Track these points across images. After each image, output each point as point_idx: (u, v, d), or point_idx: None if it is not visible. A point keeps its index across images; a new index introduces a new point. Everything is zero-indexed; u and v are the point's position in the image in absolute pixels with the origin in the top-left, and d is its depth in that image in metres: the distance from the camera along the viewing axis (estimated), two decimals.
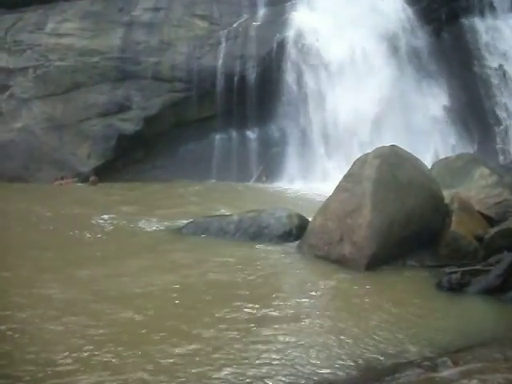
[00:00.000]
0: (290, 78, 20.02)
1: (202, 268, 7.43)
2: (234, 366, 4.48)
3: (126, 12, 21.69)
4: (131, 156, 20.12)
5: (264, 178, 19.35)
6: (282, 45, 20.17)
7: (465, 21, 20.95)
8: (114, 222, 10.88)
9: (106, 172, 19.22)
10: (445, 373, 4.30)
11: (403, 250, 7.75)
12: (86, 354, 4.62)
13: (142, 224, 10.63)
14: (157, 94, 20.17)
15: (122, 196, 15.61)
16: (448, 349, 4.89)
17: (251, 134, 20.29)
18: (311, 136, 19.62)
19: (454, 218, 7.88)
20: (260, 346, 4.85)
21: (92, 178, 18.41)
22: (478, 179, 9.27)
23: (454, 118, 19.60)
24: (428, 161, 9.73)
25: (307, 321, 5.60)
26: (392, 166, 8.16)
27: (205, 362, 4.55)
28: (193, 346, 4.84)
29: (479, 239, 7.71)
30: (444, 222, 8.05)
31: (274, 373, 4.38)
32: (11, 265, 7.52)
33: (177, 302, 6.13)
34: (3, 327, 5.17)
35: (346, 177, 8.46)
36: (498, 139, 19.35)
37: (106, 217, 11.24)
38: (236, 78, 20.01)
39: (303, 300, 6.40)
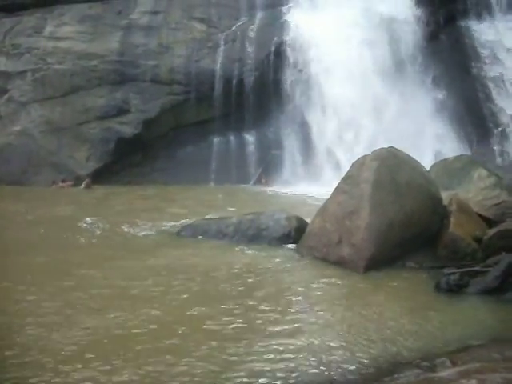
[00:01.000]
0: (288, 80, 20.08)
1: (199, 270, 7.42)
2: (234, 366, 4.48)
3: (125, 15, 21.74)
4: (130, 159, 20.14)
5: (263, 181, 19.39)
6: (280, 48, 20.22)
7: (462, 23, 21.03)
8: (113, 225, 10.84)
9: (104, 175, 19.25)
10: (443, 373, 4.30)
11: (402, 251, 7.75)
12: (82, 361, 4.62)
13: (140, 227, 10.59)
14: (155, 97, 20.22)
15: (121, 199, 15.60)
16: (447, 349, 4.90)
17: (249, 137, 20.34)
18: (310, 139, 19.65)
19: (452, 220, 7.88)
20: (257, 349, 4.85)
21: (86, 181, 18.33)
22: (476, 181, 9.27)
23: (451, 119, 19.65)
24: (426, 162, 9.70)
25: (305, 322, 5.60)
26: (390, 168, 8.16)
27: (205, 361, 4.54)
28: (188, 348, 4.84)
29: (478, 240, 7.72)
30: (442, 223, 8.05)
31: (271, 374, 4.38)
32: None
33: (174, 303, 6.12)
34: None
35: (345, 179, 8.46)
36: (496, 141, 19.39)
37: (103, 220, 11.20)
38: (234, 81, 20.09)
39: (301, 301, 6.41)
